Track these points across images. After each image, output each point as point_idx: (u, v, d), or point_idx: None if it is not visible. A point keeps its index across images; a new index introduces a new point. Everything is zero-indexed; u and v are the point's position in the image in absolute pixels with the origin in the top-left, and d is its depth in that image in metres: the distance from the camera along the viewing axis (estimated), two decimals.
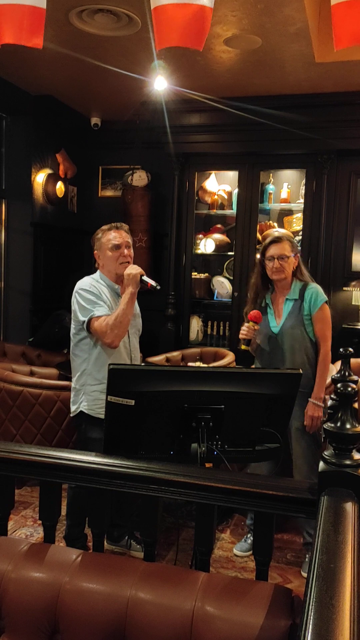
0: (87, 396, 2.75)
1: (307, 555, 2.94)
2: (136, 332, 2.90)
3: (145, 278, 2.64)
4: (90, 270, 6.76)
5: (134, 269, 2.65)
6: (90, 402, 2.74)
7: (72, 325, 2.77)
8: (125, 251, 2.75)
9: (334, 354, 2.99)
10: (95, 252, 2.82)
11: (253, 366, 3.12)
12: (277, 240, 2.95)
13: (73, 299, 2.73)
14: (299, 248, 3.09)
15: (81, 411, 2.77)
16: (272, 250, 2.92)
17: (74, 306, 2.71)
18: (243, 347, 2.88)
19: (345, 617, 0.91)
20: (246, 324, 2.87)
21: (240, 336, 2.88)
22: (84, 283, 2.74)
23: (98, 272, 2.84)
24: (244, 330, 2.87)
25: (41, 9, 1.84)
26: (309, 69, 4.31)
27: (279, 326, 2.94)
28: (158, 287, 2.66)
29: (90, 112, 5.87)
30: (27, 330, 5.64)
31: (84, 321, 2.64)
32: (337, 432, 1.42)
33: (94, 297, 2.67)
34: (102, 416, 2.70)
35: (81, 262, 6.52)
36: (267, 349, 2.96)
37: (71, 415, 2.87)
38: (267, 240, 3.00)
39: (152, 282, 2.64)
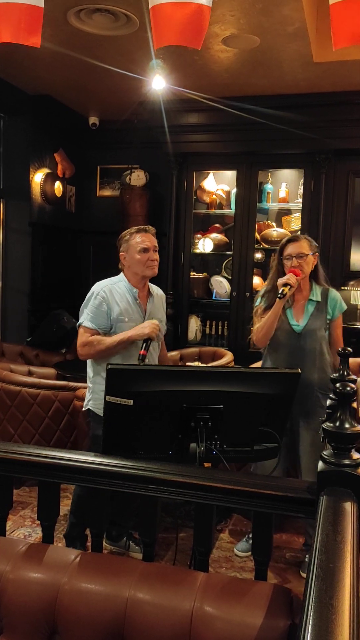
0: (95, 394, 2.81)
1: (306, 555, 2.94)
2: (159, 336, 2.86)
3: (146, 345, 2.60)
4: (88, 269, 6.75)
5: (148, 328, 2.64)
6: (97, 400, 2.78)
7: None
8: (154, 255, 2.79)
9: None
10: (122, 253, 2.85)
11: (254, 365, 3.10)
12: (295, 239, 2.93)
13: None
14: (318, 247, 3.03)
15: (89, 408, 2.84)
16: (290, 249, 2.88)
17: None
18: (286, 290, 2.77)
19: (344, 617, 0.91)
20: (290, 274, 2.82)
21: (286, 281, 2.78)
22: (97, 287, 2.81)
23: (121, 273, 2.87)
24: (290, 277, 2.79)
25: (39, 7, 1.84)
26: (307, 69, 4.31)
27: (301, 325, 2.90)
28: (140, 363, 2.59)
29: (88, 111, 5.86)
30: (25, 330, 5.63)
31: (78, 323, 2.76)
32: (336, 431, 1.41)
33: (95, 305, 2.74)
34: None
35: (79, 262, 6.52)
36: (287, 346, 2.91)
37: (83, 409, 2.96)
38: (285, 239, 2.98)
39: (142, 352, 2.58)
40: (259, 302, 3.01)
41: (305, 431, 2.91)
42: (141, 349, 2.60)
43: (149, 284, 2.90)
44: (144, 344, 2.61)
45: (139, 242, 2.77)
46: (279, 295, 2.78)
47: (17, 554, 1.56)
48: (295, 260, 2.86)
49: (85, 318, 2.75)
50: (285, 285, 2.78)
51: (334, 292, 2.98)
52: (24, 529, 3.32)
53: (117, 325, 2.72)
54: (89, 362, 2.87)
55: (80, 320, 2.77)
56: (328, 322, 2.94)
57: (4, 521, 1.79)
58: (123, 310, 2.73)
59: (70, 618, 1.42)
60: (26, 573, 1.50)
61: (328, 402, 1.49)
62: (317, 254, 2.96)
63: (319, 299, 2.93)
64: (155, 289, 2.95)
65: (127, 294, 2.79)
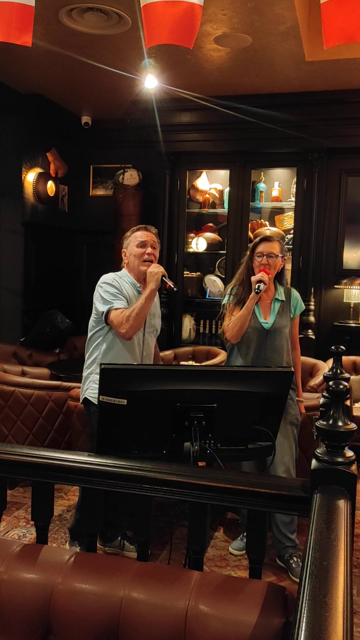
0: (93, 384, 2.82)
1: (294, 558, 2.96)
2: (153, 332, 2.98)
3: (165, 279, 2.74)
4: (81, 269, 6.72)
5: (156, 268, 2.76)
6: (94, 390, 2.79)
7: (92, 317, 2.87)
8: (150, 250, 2.85)
9: (327, 351, 3.02)
10: (123, 249, 2.93)
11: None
12: (268, 239, 3.04)
13: (95, 292, 2.84)
14: (286, 251, 3.24)
15: (86, 398, 2.84)
16: (262, 248, 2.99)
17: (95, 298, 2.82)
18: (260, 285, 2.87)
19: (338, 614, 0.91)
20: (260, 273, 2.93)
21: (260, 278, 2.90)
22: (107, 277, 2.85)
23: (123, 269, 2.94)
24: (263, 275, 2.90)
25: (30, 6, 1.84)
26: (299, 68, 4.32)
27: (269, 323, 3.01)
28: (175, 289, 2.76)
29: (80, 110, 5.85)
30: (19, 330, 5.61)
31: (103, 312, 2.74)
32: (329, 429, 1.42)
33: (115, 291, 2.77)
34: None
35: (72, 262, 6.50)
36: (255, 344, 3.00)
37: (80, 402, 2.96)
38: (259, 237, 3.08)
39: (170, 283, 2.74)
40: (228, 299, 3.09)
41: None
42: (167, 283, 2.72)
43: None
44: (163, 281, 2.73)
45: (138, 236, 2.86)
46: (255, 290, 2.87)
47: (11, 555, 1.55)
48: (265, 258, 2.97)
49: (110, 302, 2.73)
50: (259, 282, 2.89)
51: (295, 292, 3.15)
52: (18, 529, 3.31)
53: None
54: (87, 354, 2.88)
55: (106, 308, 2.73)
56: (291, 320, 3.07)
57: None
58: (128, 301, 2.78)
59: (65, 618, 1.42)
60: (20, 573, 1.50)
61: (321, 400, 1.49)
62: (285, 258, 3.10)
63: (283, 298, 3.07)
64: None
65: (131, 288, 2.85)
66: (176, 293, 5.51)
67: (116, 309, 2.72)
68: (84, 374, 2.91)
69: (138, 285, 2.86)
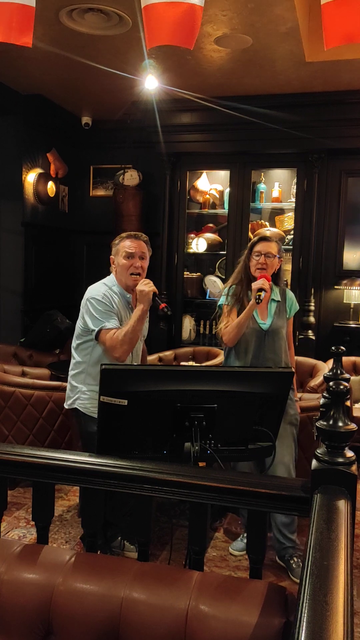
0: (83, 394, 2.78)
1: (294, 559, 2.96)
2: (141, 338, 2.92)
3: (157, 298, 2.63)
4: (81, 269, 6.71)
5: (146, 286, 2.63)
6: (86, 400, 2.77)
7: (79, 326, 2.77)
8: (138, 262, 2.73)
9: (327, 352, 3.03)
10: (112, 257, 2.83)
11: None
12: (266, 238, 3.04)
13: (83, 305, 2.74)
14: (284, 252, 3.27)
15: (76, 408, 2.81)
16: (260, 247, 3.00)
17: (84, 312, 2.73)
18: (261, 294, 2.85)
19: (339, 614, 0.92)
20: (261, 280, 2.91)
21: (261, 286, 2.86)
22: (96, 291, 2.73)
23: (111, 276, 2.84)
24: (264, 282, 2.88)
25: (31, 7, 1.84)
26: (299, 69, 4.32)
27: (267, 323, 3.01)
28: (169, 313, 2.66)
29: (81, 111, 5.85)
30: (19, 330, 5.62)
31: (94, 330, 2.66)
32: (329, 430, 1.42)
33: (106, 309, 2.68)
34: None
35: (72, 262, 6.50)
36: (254, 345, 3.00)
37: (65, 407, 2.90)
38: (257, 237, 3.09)
39: (163, 305, 2.62)
40: (225, 300, 3.07)
41: None
42: (159, 305, 2.62)
43: None
44: (156, 300, 2.64)
45: (126, 246, 2.74)
46: (257, 300, 2.85)
47: (11, 555, 1.55)
48: (263, 257, 2.97)
49: (101, 321, 2.64)
50: (259, 290, 2.87)
51: (290, 293, 3.16)
52: (19, 529, 3.31)
53: None
54: (73, 361, 2.82)
55: (97, 327, 2.63)
56: (286, 319, 3.08)
57: None
58: (118, 317, 2.71)
59: (66, 618, 1.42)
60: (21, 574, 1.50)
61: (321, 400, 1.49)
62: (282, 259, 3.12)
63: (279, 298, 3.08)
64: None
65: (121, 300, 2.77)
66: (176, 294, 5.56)
67: (108, 329, 2.62)
68: (72, 381, 2.83)
69: (128, 295, 2.77)
